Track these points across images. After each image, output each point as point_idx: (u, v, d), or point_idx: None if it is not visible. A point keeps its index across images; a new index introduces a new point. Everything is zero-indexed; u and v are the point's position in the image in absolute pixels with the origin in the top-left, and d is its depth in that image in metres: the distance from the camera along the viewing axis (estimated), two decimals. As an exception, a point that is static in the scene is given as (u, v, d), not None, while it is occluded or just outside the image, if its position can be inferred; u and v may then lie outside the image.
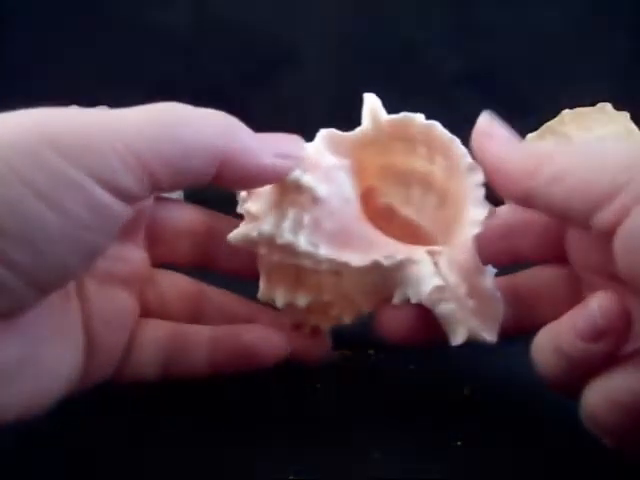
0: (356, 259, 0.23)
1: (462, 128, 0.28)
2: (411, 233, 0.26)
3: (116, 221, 0.19)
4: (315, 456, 0.25)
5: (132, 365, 0.25)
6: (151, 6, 0.51)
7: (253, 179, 0.22)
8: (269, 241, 0.24)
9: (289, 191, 0.23)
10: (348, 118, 0.27)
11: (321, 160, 0.24)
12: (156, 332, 0.26)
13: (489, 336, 0.24)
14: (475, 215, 0.24)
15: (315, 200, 0.23)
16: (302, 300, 0.25)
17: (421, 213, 0.26)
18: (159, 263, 0.27)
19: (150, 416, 0.27)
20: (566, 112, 0.37)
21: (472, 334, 0.24)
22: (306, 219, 0.23)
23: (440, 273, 0.24)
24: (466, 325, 0.24)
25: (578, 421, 0.25)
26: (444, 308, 0.23)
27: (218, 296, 0.28)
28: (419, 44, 0.52)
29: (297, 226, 0.23)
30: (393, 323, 0.25)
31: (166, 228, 0.27)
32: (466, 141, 0.24)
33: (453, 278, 0.23)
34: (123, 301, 0.25)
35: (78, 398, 0.24)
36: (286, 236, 0.23)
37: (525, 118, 0.38)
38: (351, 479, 0.24)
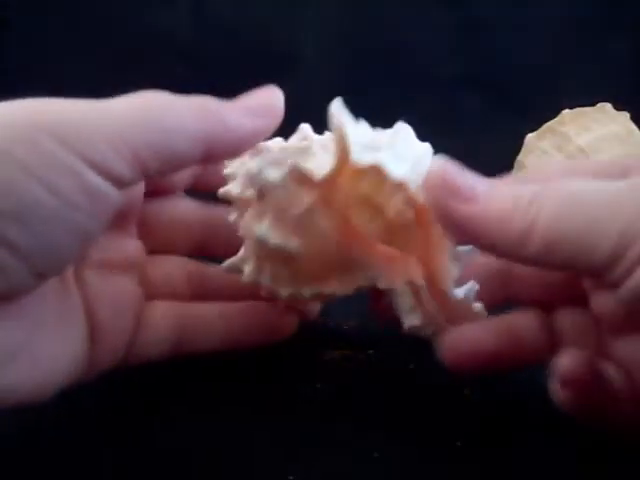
0: (339, 289, 0.25)
1: (462, 128, 0.28)
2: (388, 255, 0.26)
3: (108, 205, 0.20)
4: (315, 456, 0.25)
5: (141, 347, 0.26)
6: (151, 6, 0.51)
7: (237, 150, 0.23)
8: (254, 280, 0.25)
9: (260, 247, 0.24)
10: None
11: (291, 204, 0.23)
12: (165, 313, 0.27)
13: None
14: (451, 271, 0.23)
15: (289, 258, 0.24)
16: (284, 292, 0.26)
17: (395, 237, 0.25)
18: (155, 253, 0.28)
19: (150, 416, 0.27)
20: (566, 112, 0.37)
21: None
22: (284, 273, 0.25)
23: (421, 302, 0.25)
24: None
25: (577, 421, 0.25)
26: (425, 333, 0.25)
27: (220, 274, 0.28)
28: (419, 44, 0.52)
29: (276, 278, 0.25)
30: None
31: (160, 219, 0.28)
32: (467, 140, 0.24)
33: (432, 307, 0.25)
34: (123, 286, 0.26)
35: (78, 398, 0.24)
36: (267, 285, 0.25)
37: (525, 118, 0.38)
38: (351, 479, 0.24)
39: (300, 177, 0.23)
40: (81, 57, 0.48)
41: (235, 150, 0.23)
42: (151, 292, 0.27)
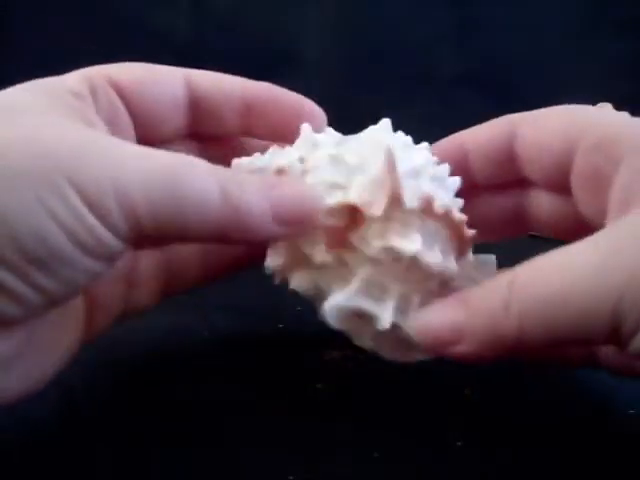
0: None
1: (462, 128, 0.28)
2: None
3: (118, 254, 0.20)
4: (315, 456, 0.25)
5: (134, 303, 0.26)
6: (151, 6, 0.51)
7: (249, 243, 0.23)
8: None
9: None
10: (348, 118, 0.27)
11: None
12: (149, 260, 0.27)
13: None
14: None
15: None
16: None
17: None
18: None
19: (149, 416, 0.27)
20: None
21: None
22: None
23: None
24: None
25: (578, 421, 0.25)
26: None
27: None
28: (419, 44, 0.52)
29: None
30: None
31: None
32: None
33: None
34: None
35: (78, 398, 0.24)
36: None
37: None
38: (351, 479, 0.24)
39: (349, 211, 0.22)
40: (81, 57, 0.48)
41: (246, 243, 0.23)
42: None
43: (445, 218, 0.23)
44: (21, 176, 0.18)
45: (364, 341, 0.25)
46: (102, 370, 0.29)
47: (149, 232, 0.20)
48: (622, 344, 0.19)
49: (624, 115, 0.24)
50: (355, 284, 0.23)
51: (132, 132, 0.25)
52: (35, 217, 0.18)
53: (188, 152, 0.27)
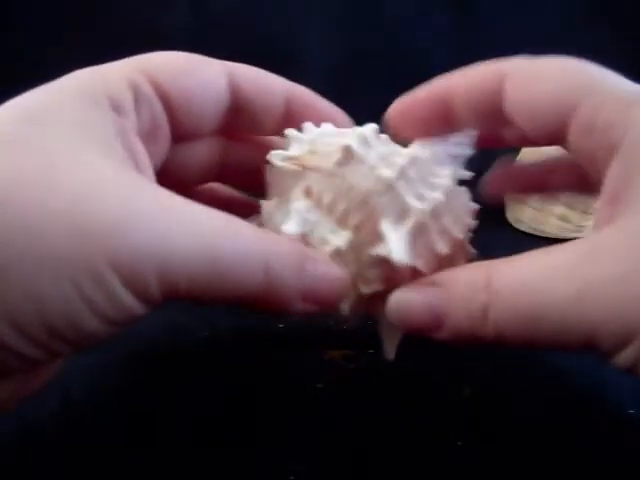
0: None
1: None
2: None
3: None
4: (315, 456, 0.25)
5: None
6: (151, 6, 0.51)
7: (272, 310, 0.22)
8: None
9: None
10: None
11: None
12: None
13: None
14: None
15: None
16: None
17: None
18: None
19: (149, 416, 0.27)
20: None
21: None
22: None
23: None
24: None
25: (578, 421, 0.25)
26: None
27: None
28: (419, 44, 0.52)
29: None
30: None
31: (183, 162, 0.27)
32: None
33: None
34: None
35: (77, 400, 0.24)
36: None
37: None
38: (351, 479, 0.24)
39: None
40: (81, 57, 0.48)
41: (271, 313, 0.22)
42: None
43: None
44: (58, 259, 0.17)
45: None
46: (101, 371, 0.29)
47: (180, 298, 0.20)
48: (602, 360, 0.19)
49: (624, 80, 0.23)
50: None
51: (168, 135, 0.25)
52: (70, 303, 0.18)
53: (215, 149, 0.27)
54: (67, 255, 0.18)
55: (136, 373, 0.29)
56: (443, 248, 0.23)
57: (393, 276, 0.23)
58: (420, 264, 0.23)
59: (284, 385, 0.28)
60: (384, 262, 0.23)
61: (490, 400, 0.27)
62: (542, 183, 0.28)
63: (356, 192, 0.23)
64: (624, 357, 0.19)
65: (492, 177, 0.29)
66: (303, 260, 0.21)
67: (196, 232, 0.19)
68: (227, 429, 0.26)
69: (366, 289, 0.24)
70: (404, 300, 0.22)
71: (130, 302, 0.19)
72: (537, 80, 0.23)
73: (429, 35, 0.51)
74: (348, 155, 0.23)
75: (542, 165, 0.28)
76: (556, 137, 0.23)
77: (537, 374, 0.29)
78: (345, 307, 0.24)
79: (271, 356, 0.30)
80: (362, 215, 0.23)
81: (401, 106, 0.26)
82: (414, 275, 0.23)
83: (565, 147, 0.23)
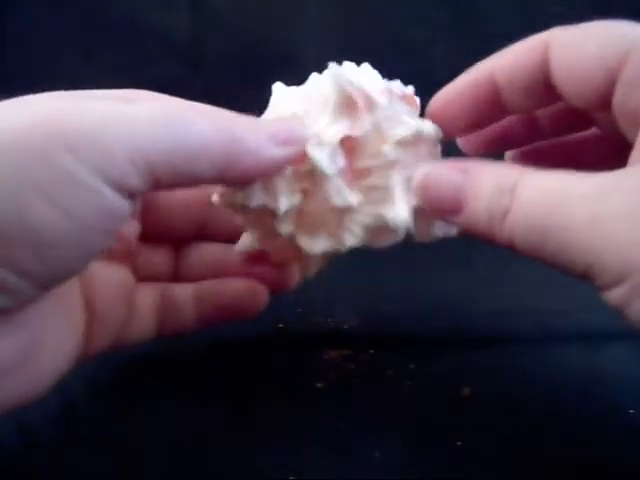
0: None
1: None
2: None
3: (121, 220, 0.20)
4: (315, 456, 0.25)
5: (131, 331, 0.26)
6: (151, 7, 0.51)
7: (254, 175, 0.22)
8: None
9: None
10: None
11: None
12: (148, 296, 0.27)
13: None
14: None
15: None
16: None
17: None
18: (153, 233, 0.28)
19: (149, 416, 0.27)
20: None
21: None
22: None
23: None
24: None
25: (578, 421, 0.25)
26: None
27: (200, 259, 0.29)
28: (419, 44, 0.52)
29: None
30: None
31: (161, 201, 0.27)
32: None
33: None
34: (120, 274, 0.26)
35: (79, 404, 0.24)
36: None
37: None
38: (352, 479, 0.24)
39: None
40: (81, 57, 0.48)
41: (252, 176, 0.22)
42: (137, 276, 0.27)
43: (405, 97, 0.24)
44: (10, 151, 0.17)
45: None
46: (103, 376, 0.29)
47: (163, 183, 0.20)
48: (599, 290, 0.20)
49: None
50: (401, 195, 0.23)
51: None
52: (15, 190, 0.17)
53: None
54: (14, 137, 0.17)
55: (137, 373, 0.29)
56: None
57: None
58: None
59: (284, 385, 0.28)
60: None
61: (490, 400, 0.27)
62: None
63: None
64: (617, 294, 0.19)
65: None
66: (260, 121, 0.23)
67: (154, 110, 0.20)
68: (227, 429, 0.26)
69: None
70: (434, 172, 0.22)
71: (96, 183, 0.18)
72: (582, 41, 0.23)
73: (429, 32, 0.51)
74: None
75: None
76: (603, 99, 0.22)
77: (537, 374, 0.29)
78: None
79: (271, 356, 0.30)
80: None
81: (443, 98, 0.25)
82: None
83: (606, 116, 0.23)
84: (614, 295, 0.19)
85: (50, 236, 0.18)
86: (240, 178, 0.22)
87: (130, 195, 0.19)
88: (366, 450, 0.25)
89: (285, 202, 0.23)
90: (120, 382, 0.28)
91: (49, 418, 0.26)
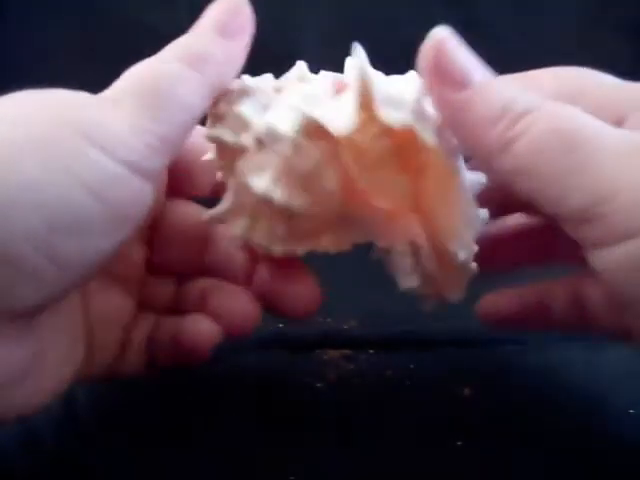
0: (334, 246, 0.23)
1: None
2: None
3: (146, 204, 0.20)
4: (315, 456, 0.25)
5: (126, 362, 0.25)
6: (151, 6, 0.51)
7: (226, 77, 0.22)
8: (246, 240, 0.23)
9: (260, 203, 0.22)
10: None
11: (299, 158, 0.21)
12: (145, 328, 0.26)
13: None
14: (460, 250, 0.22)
15: (289, 217, 0.22)
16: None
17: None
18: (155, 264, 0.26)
19: (150, 416, 0.27)
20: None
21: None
22: (279, 229, 0.22)
23: (419, 262, 0.23)
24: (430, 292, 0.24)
25: (578, 421, 0.25)
26: (419, 292, 0.24)
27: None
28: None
29: (270, 235, 0.23)
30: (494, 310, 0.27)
31: (169, 226, 0.26)
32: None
33: (431, 267, 0.23)
34: (120, 300, 0.25)
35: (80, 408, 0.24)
36: (263, 243, 0.23)
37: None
38: (351, 479, 0.24)
39: (315, 130, 0.21)
40: (81, 57, 0.48)
41: (227, 77, 0.22)
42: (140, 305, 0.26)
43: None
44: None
45: None
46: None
47: (175, 146, 0.20)
48: (580, 238, 0.18)
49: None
50: None
51: None
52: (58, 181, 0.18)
53: None
54: (42, 135, 0.18)
55: (139, 378, 0.29)
56: None
57: None
58: None
59: (284, 385, 0.28)
60: None
61: (490, 400, 0.27)
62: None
63: None
64: (613, 255, 0.18)
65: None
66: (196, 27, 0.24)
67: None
68: (227, 429, 0.26)
69: None
70: (455, 43, 0.20)
71: (119, 170, 0.19)
72: (533, 84, 0.22)
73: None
74: None
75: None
76: None
77: (537, 374, 0.29)
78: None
79: (271, 356, 0.30)
80: None
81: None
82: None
83: None
84: (607, 256, 0.18)
85: (90, 223, 0.18)
86: (218, 86, 0.22)
87: (152, 175, 0.20)
88: (366, 450, 0.25)
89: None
90: (123, 389, 0.28)
91: (51, 421, 0.26)
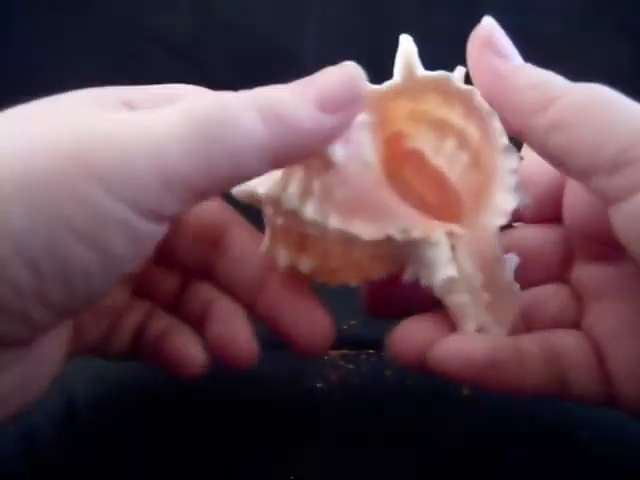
0: (368, 231, 0.21)
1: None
2: (437, 187, 0.23)
3: (152, 245, 0.18)
4: (315, 456, 0.25)
5: (114, 345, 0.25)
6: (151, 6, 0.51)
7: (306, 152, 0.19)
8: (274, 203, 0.22)
9: None
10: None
11: None
12: (138, 316, 0.25)
13: (500, 331, 0.22)
14: (504, 204, 0.21)
15: (329, 165, 0.20)
16: (306, 265, 0.23)
17: (451, 167, 0.23)
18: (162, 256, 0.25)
19: (149, 416, 0.27)
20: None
21: (481, 329, 0.22)
22: (316, 186, 0.21)
23: (456, 259, 0.22)
24: (477, 320, 0.22)
25: (577, 421, 0.25)
26: (456, 299, 0.22)
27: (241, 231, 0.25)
28: (419, 45, 0.52)
29: (305, 193, 0.21)
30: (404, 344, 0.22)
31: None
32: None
33: (470, 268, 0.22)
34: (115, 293, 0.24)
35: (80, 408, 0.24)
36: (292, 203, 0.21)
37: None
38: (352, 479, 0.24)
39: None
40: (81, 57, 0.48)
41: (308, 152, 0.19)
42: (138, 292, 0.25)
43: None
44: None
45: None
46: (104, 377, 0.29)
47: (208, 195, 0.18)
48: (613, 193, 0.18)
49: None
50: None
51: None
52: (45, 225, 0.16)
53: None
54: (38, 169, 0.16)
55: (137, 374, 0.29)
56: None
57: None
58: None
59: (284, 385, 0.28)
60: None
61: (490, 400, 0.27)
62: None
63: None
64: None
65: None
66: (301, 82, 0.19)
67: (186, 118, 0.17)
68: (227, 429, 0.26)
69: None
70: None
71: (128, 216, 0.16)
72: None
73: (430, 33, 0.51)
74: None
75: None
76: None
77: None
78: None
79: (271, 356, 0.30)
80: None
81: None
82: None
83: None
84: (633, 205, 0.18)
85: (82, 271, 0.17)
86: (293, 160, 0.20)
87: (169, 218, 0.18)
88: (366, 450, 0.25)
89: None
90: (122, 386, 0.28)
91: (50, 418, 0.26)
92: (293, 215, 0.21)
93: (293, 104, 0.18)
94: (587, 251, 0.23)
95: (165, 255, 0.25)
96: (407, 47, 0.22)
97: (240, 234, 0.24)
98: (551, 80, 0.20)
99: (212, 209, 0.24)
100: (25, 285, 0.16)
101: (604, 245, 0.22)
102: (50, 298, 0.17)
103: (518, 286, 0.22)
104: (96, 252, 0.17)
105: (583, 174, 0.19)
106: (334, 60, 0.23)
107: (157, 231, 0.18)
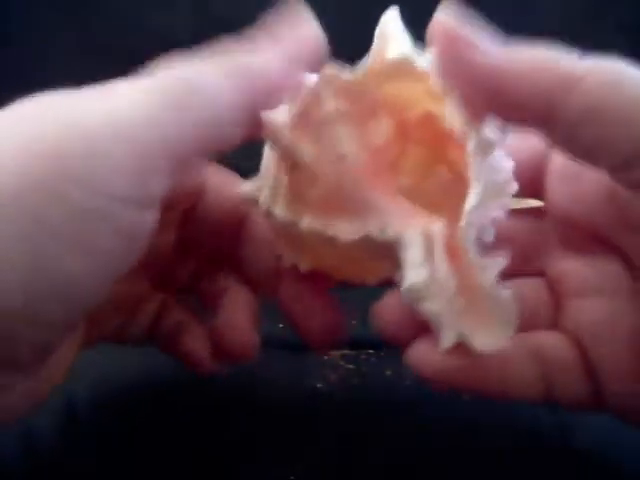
0: (346, 230, 0.20)
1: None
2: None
3: (145, 236, 0.17)
4: (315, 456, 0.25)
5: (129, 333, 0.25)
6: (151, 6, 0.51)
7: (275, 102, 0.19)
8: (255, 205, 0.22)
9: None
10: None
11: (316, 111, 0.20)
12: (156, 306, 0.25)
13: (485, 344, 0.19)
14: (469, 200, 0.18)
15: (295, 165, 0.20)
16: (304, 264, 0.22)
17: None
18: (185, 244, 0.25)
19: (150, 416, 0.27)
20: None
21: (463, 340, 0.19)
22: (285, 187, 0.20)
23: (432, 261, 0.19)
24: (454, 329, 0.19)
25: (578, 420, 0.25)
26: (428, 307, 0.19)
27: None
28: (419, 42, 0.52)
29: (275, 194, 0.21)
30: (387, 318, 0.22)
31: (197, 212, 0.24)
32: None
33: (443, 272, 0.19)
34: (129, 286, 0.24)
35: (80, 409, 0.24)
36: (264, 204, 0.21)
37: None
38: (351, 479, 0.24)
39: (331, 77, 0.20)
40: (81, 57, 0.48)
41: (279, 99, 0.19)
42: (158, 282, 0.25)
43: None
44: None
45: None
46: (104, 379, 0.29)
47: (192, 165, 0.18)
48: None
49: None
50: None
51: None
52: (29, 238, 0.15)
53: None
54: (14, 176, 0.15)
55: (137, 374, 0.29)
56: None
57: None
58: None
59: (284, 385, 0.28)
60: None
61: (489, 401, 0.27)
62: None
63: None
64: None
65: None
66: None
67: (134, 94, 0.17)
68: (227, 429, 0.26)
69: None
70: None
71: (112, 210, 0.16)
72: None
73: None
74: None
75: None
76: None
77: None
78: None
79: (271, 356, 0.30)
80: None
81: None
82: None
83: None
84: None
85: (71, 278, 0.16)
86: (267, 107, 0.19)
87: (156, 200, 0.17)
88: (366, 450, 0.25)
89: None
90: (122, 387, 0.28)
91: (50, 420, 0.26)
92: (268, 216, 0.21)
93: (260, 62, 0.19)
94: (568, 243, 0.22)
95: (186, 244, 0.25)
96: (384, 27, 0.22)
97: (261, 223, 0.24)
98: (561, 55, 0.17)
99: (233, 198, 0.24)
100: (15, 309, 0.15)
101: (587, 237, 0.21)
102: (48, 317, 0.16)
103: (508, 291, 0.19)
104: (88, 258, 0.16)
105: (624, 166, 0.17)
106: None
107: (146, 220, 0.17)
